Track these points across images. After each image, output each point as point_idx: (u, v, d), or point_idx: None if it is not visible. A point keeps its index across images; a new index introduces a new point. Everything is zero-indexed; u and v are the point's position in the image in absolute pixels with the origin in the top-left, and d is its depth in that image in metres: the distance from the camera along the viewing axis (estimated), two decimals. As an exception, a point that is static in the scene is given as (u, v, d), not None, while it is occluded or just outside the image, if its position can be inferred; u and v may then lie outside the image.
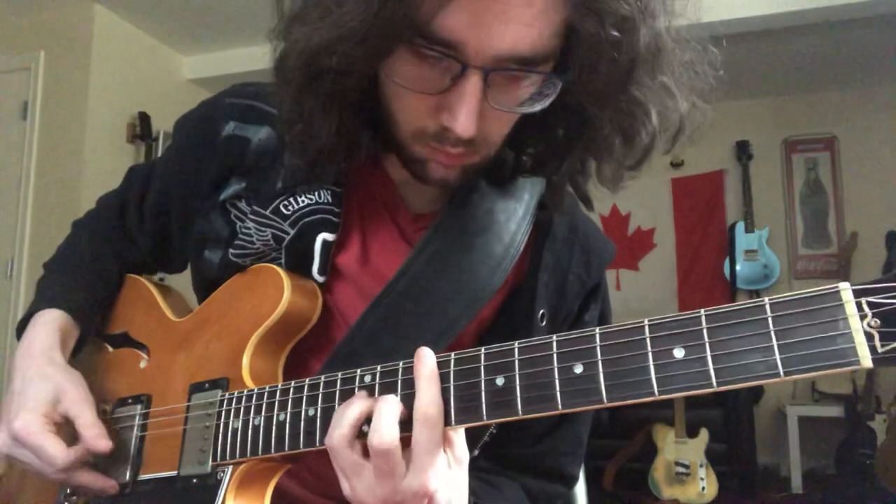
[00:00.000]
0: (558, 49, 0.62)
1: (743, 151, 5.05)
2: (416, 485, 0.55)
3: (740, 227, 4.97)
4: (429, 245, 0.75)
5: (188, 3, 3.89)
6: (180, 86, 4.56)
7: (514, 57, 0.59)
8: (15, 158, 3.92)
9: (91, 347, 0.90)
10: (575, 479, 0.87)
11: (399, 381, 0.59)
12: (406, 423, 0.56)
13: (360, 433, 0.58)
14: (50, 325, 0.82)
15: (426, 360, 0.57)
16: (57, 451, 0.72)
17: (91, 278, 0.90)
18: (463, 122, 0.60)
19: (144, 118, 4.11)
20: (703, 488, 3.80)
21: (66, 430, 0.77)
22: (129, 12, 4.02)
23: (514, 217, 0.78)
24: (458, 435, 0.59)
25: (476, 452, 0.78)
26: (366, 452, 0.57)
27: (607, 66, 0.60)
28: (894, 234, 4.64)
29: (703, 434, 3.93)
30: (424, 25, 0.57)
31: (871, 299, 0.39)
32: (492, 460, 0.81)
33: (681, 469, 3.87)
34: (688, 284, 5.13)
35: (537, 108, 0.64)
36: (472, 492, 0.65)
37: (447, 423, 0.56)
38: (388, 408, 0.56)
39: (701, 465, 3.86)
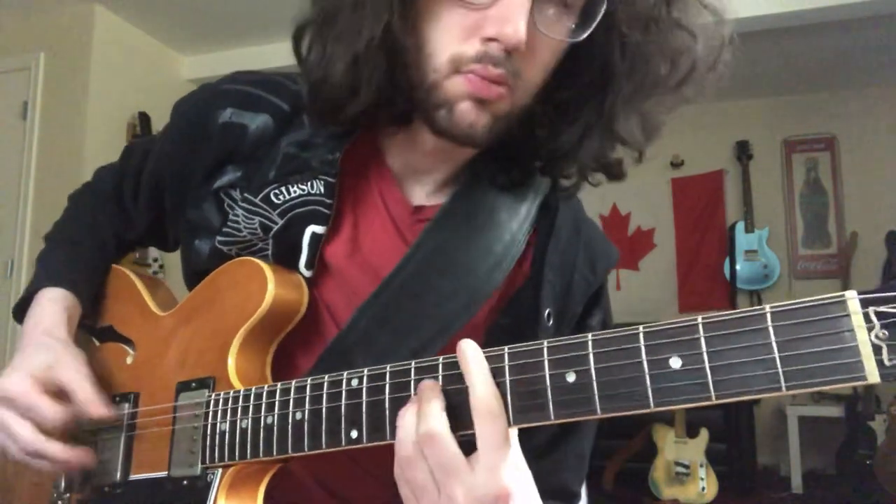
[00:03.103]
0: None
1: (743, 151, 5.05)
2: (490, 487, 0.50)
3: (740, 227, 4.97)
4: (429, 240, 0.73)
5: (188, 3, 3.88)
6: (180, 86, 4.56)
7: None
8: (15, 158, 3.91)
9: (78, 341, 0.89)
10: (577, 497, 0.83)
11: (387, 385, 0.58)
12: (458, 423, 0.53)
13: None
14: (55, 303, 0.81)
15: (473, 352, 0.53)
16: (49, 407, 0.71)
17: (92, 254, 0.90)
18: (514, 25, 0.59)
19: (144, 118, 4.10)
20: (703, 488, 3.80)
21: (68, 431, 0.76)
22: (129, 12, 4.02)
23: (516, 216, 0.76)
24: (515, 435, 0.54)
25: None
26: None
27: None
28: (894, 234, 4.65)
29: (703, 434, 3.93)
30: None
31: (879, 309, 0.37)
32: None
33: (681, 469, 3.88)
34: (688, 284, 5.13)
35: (581, 36, 0.64)
36: None
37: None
38: (432, 392, 0.54)
39: (701, 465, 3.86)
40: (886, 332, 0.36)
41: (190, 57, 4.58)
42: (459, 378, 0.54)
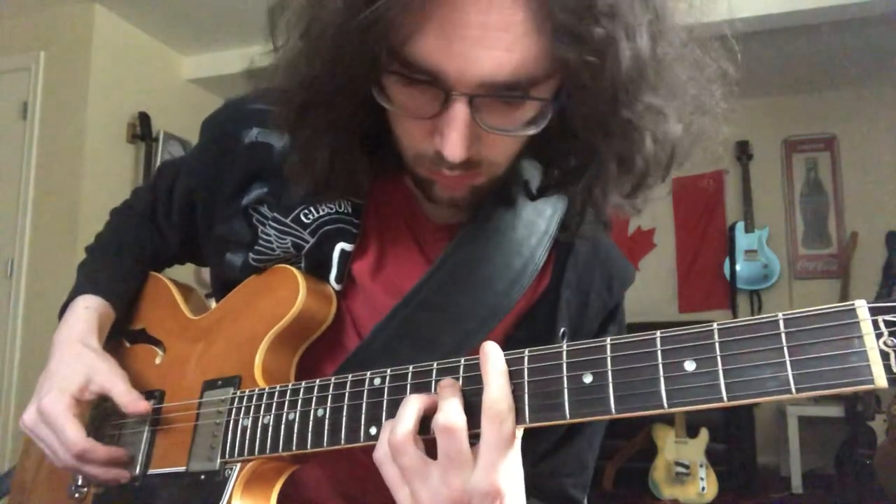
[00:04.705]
0: (553, 72, 0.59)
1: (743, 151, 5.05)
2: (485, 484, 0.52)
3: (740, 227, 4.98)
4: (450, 258, 0.74)
5: (188, 3, 3.89)
6: (180, 86, 4.56)
7: (497, 83, 0.58)
8: (15, 158, 3.92)
9: (109, 342, 0.92)
10: None
11: (408, 385, 0.59)
12: (469, 420, 0.54)
13: (422, 429, 0.56)
14: (90, 311, 0.85)
15: (495, 355, 0.55)
16: (74, 433, 0.74)
17: (129, 265, 0.94)
18: (451, 147, 0.60)
19: (144, 118, 4.10)
20: (703, 488, 3.80)
21: (95, 423, 0.81)
22: (129, 12, 4.02)
23: (535, 232, 0.77)
24: (518, 439, 0.56)
25: None
26: (428, 452, 0.55)
27: (590, 91, 0.59)
28: (894, 234, 4.65)
29: (703, 434, 3.93)
30: (403, 53, 0.57)
31: (887, 318, 0.38)
32: None
33: (681, 469, 3.88)
34: (688, 284, 5.13)
35: (531, 131, 0.63)
36: None
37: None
38: (452, 390, 0.56)
39: (701, 465, 3.86)
40: (895, 340, 0.38)
41: (190, 57, 4.58)
42: (478, 380, 0.55)
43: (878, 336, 0.39)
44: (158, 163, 4.20)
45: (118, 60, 4.06)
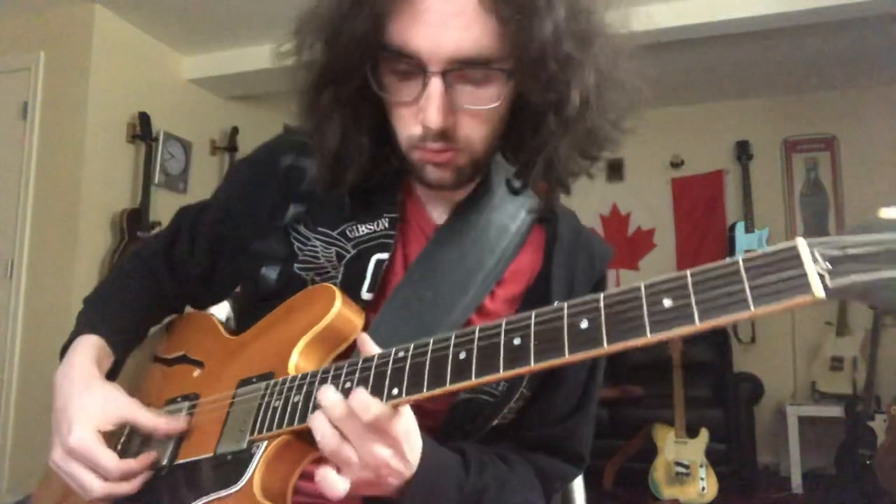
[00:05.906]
0: (508, 53, 0.74)
1: (743, 151, 5.05)
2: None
3: (740, 227, 4.98)
4: (426, 258, 0.85)
5: (188, 3, 3.88)
6: (180, 86, 4.56)
7: (462, 58, 0.73)
8: (15, 158, 3.91)
9: (146, 365, 0.96)
10: (586, 461, 0.95)
11: (429, 350, 0.64)
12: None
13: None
14: (87, 347, 0.88)
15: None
16: (111, 461, 0.76)
17: (128, 308, 0.97)
18: (431, 115, 0.74)
19: (144, 118, 4.10)
20: (703, 488, 3.81)
21: (119, 443, 0.84)
22: (129, 12, 4.02)
23: (506, 235, 0.88)
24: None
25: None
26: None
27: (528, 53, 0.72)
28: (894, 235, 4.65)
29: (703, 434, 3.93)
30: (387, 41, 0.74)
31: (821, 249, 0.49)
32: (511, 441, 0.89)
33: (681, 469, 3.88)
34: (688, 284, 5.13)
35: (496, 104, 0.77)
36: (481, 463, 0.79)
37: (469, 378, 0.61)
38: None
39: (701, 465, 3.86)
40: (829, 265, 0.49)
41: (190, 57, 4.58)
42: (491, 336, 0.62)
43: (815, 261, 0.49)
44: (158, 162, 4.20)
45: (118, 60, 4.05)
